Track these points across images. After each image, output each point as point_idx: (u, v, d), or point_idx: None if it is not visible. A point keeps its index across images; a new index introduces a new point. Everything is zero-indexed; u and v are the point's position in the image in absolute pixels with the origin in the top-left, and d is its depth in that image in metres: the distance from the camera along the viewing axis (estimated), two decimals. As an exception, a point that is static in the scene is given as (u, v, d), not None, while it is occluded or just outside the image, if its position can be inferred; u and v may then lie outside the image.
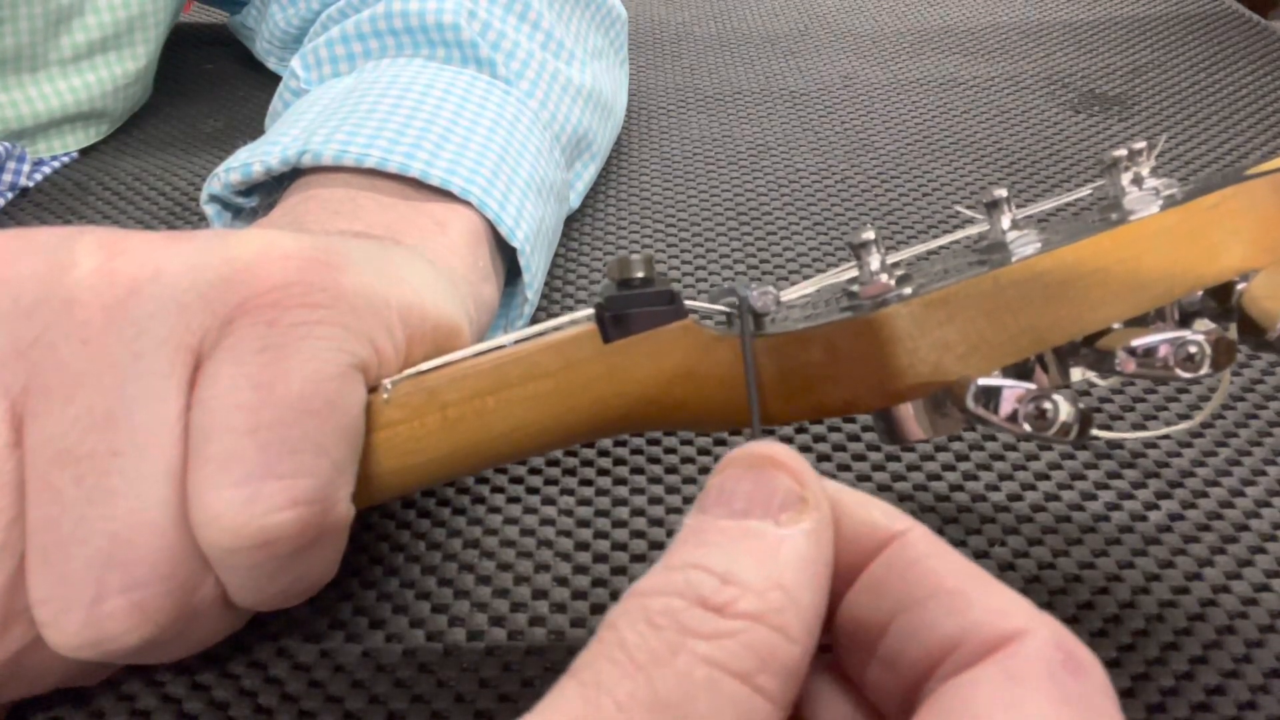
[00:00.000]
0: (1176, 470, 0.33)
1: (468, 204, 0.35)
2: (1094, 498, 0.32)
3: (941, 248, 0.41)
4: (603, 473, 0.34)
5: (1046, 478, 0.33)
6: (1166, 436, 0.34)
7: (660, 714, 0.14)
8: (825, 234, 0.47)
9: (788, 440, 0.35)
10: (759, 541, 0.16)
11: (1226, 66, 0.64)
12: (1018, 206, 0.24)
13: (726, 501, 0.17)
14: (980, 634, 0.15)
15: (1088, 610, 0.28)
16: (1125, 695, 0.26)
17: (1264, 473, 0.33)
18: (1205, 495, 0.32)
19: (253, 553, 0.22)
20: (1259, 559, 0.30)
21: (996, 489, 0.32)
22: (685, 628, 0.15)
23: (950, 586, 0.16)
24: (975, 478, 0.33)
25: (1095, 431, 0.34)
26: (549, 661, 0.27)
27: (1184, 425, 0.35)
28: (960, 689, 0.15)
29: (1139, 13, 0.74)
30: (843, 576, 0.17)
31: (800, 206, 0.50)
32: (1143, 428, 0.35)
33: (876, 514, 0.17)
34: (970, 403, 0.21)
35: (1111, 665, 0.27)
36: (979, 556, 0.30)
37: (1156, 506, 0.32)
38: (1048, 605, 0.29)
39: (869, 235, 0.23)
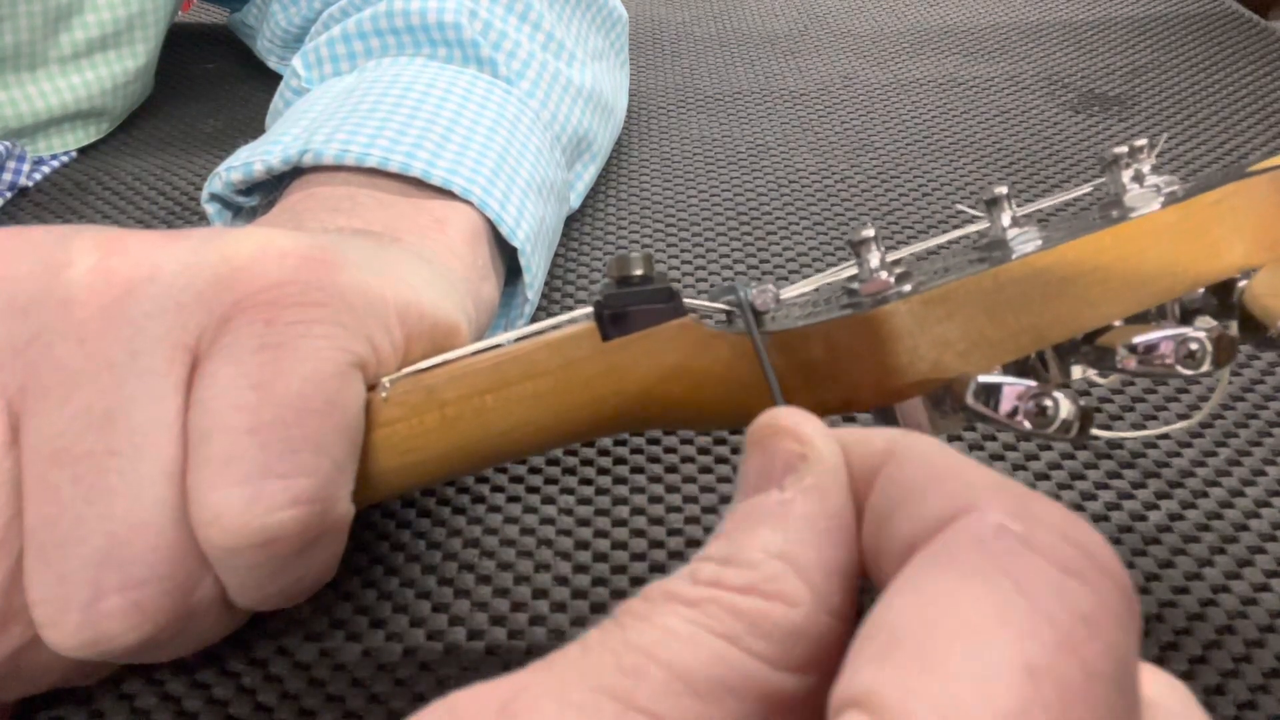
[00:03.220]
0: (1176, 470, 0.33)
1: (468, 203, 0.35)
2: (1094, 498, 0.32)
3: (941, 246, 0.41)
4: (603, 472, 0.33)
5: (1046, 478, 0.33)
6: (1166, 436, 0.34)
7: (625, 653, 0.14)
8: (825, 234, 0.47)
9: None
10: (761, 514, 0.16)
11: (1226, 66, 0.64)
12: (1018, 205, 0.24)
13: (742, 486, 0.17)
14: (928, 528, 0.14)
15: (1088, 609, 0.28)
16: (1126, 695, 0.26)
17: (1264, 473, 0.33)
18: (1205, 495, 0.32)
19: (253, 552, 0.22)
20: (1259, 559, 0.30)
21: (997, 488, 0.32)
22: (671, 594, 0.15)
23: (915, 487, 0.15)
24: (975, 477, 0.33)
25: (1095, 431, 0.34)
26: (548, 661, 0.27)
27: (1184, 425, 0.35)
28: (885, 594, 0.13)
29: (1139, 13, 0.74)
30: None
31: (800, 206, 0.50)
32: (1142, 427, 0.35)
33: (878, 442, 0.16)
34: (970, 400, 0.21)
35: (1112, 665, 0.27)
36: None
37: (1156, 506, 0.32)
38: (1048, 604, 0.29)
39: (868, 233, 0.22)
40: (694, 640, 0.14)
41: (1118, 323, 0.22)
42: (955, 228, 0.46)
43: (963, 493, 0.14)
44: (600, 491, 0.33)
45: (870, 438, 0.16)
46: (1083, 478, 0.33)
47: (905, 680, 0.12)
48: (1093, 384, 0.37)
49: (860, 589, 0.16)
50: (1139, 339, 0.21)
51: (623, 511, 0.32)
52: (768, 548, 0.15)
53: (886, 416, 0.23)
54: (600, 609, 0.29)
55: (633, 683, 0.14)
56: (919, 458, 0.15)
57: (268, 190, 0.39)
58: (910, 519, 0.14)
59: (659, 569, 0.30)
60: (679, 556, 0.30)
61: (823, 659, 0.15)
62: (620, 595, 0.29)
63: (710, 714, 0.14)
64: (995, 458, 0.34)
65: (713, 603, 0.15)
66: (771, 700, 0.14)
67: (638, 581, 0.29)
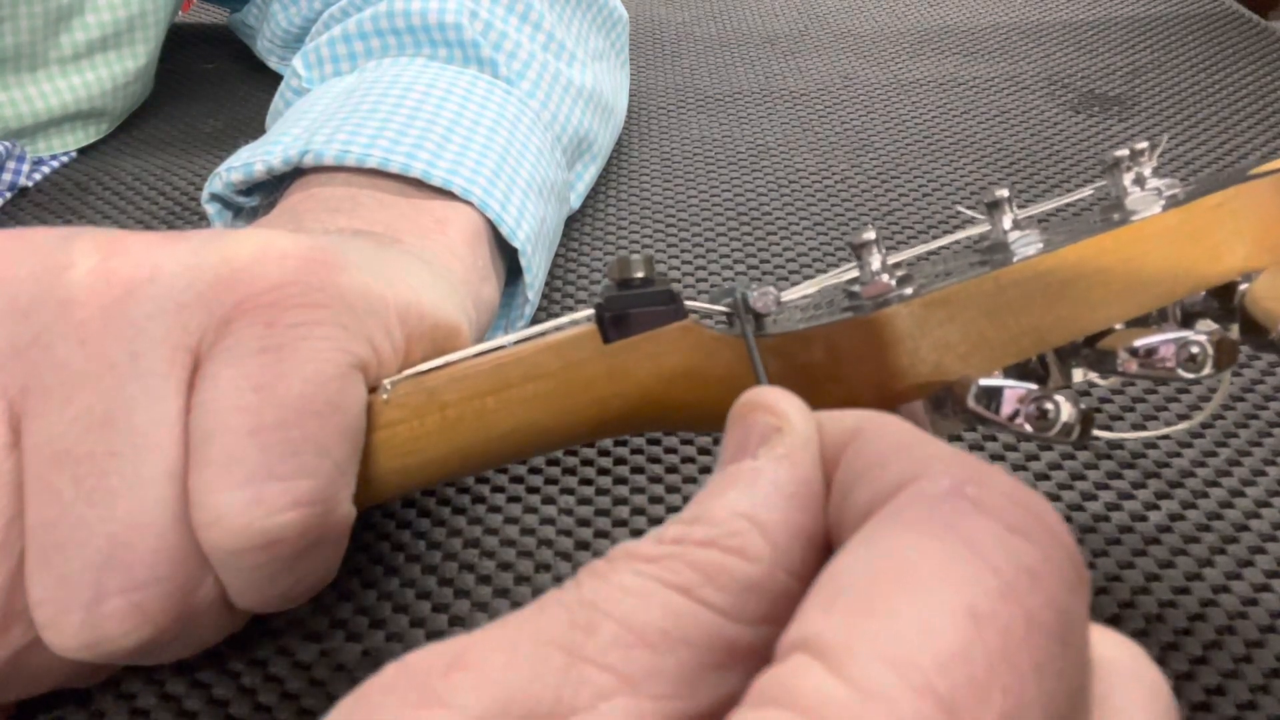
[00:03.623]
0: (1176, 470, 0.33)
1: (469, 203, 0.35)
2: (1094, 498, 0.32)
3: (942, 248, 0.41)
4: (603, 472, 0.34)
5: (1046, 478, 0.33)
6: (1166, 437, 0.34)
7: (578, 609, 0.14)
8: (825, 234, 0.47)
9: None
10: (732, 479, 0.16)
11: (1226, 66, 0.64)
12: (1019, 207, 0.24)
13: (720, 460, 0.17)
14: (885, 495, 0.14)
15: (1088, 611, 0.28)
16: (1126, 696, 0.26)
17: (1264, 473, 0.33)
18: (1205, 495, 0.32)
19: (255, 554, 0.22)
20: (1259, 559, 0.30)
21: (997, 489, 0.32)
22: (631, 553, 0.15)
23: (877, 460, 0.15)
24: (975, 478, 0.33)
25: (1096, 432, 0.34)
26: (549, 662, 0.27)
27: (1184, 425, 0.35)
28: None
29: (1139, 13, 0.74)
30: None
31: (800, 206, 0.50)
32: (1143, 428, 0.35)
33: (849, 421, 0.17)
34: (971, 403, 0.21)
35: (1112, 666, 0.27)
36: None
37: (1156, 507, 0.32)
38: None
39: (870, 235, 0.22)
40: (648, 594, 0.14)
41: (1119, 326, 0.22)
42: (956, 229, 0.46)
43: (918, 462, 0.15)
44: (600, 492, 0.33)
45: (842, 417, 0.17)
46: (1083, 478, 0.33)
47: (849, 622, 0.12)
48: (1093, 385, 0.37)
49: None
50: (1140, 342, 0.21)
51: (623, 512, 0.32)
52: (733, 507, 0.16)
53: (887, 419, 0.23)
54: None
55: (584, 636, 0.14)
56: (883, 434, 0.16)
57: (268, 190, 0.39)
58: (870, 487, 0.15)
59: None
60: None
61: (780, 616, 0.15)
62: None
63: (662, 663, 0.14)
64: (995, 458, 0.34)
65: (672, 558, 0.15)
66: (727, 651, 0.14)
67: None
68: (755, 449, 0.16)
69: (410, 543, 0.31)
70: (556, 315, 0.41)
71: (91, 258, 0.23)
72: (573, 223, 0.49)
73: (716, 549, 0.15)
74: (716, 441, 0.35)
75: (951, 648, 0.12)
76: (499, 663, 0.14)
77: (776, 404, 0.17)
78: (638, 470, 0.34)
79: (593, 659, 0.14)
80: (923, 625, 0.12)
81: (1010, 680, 0.12)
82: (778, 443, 0.16)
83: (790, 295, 0.25)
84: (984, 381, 0.21)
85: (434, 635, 0.28)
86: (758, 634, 0.15)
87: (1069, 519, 0.31)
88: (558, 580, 0.30)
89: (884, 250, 0.23)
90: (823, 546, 0.16)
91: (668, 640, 0.14)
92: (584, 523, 0.32)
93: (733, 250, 0.46)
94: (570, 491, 0.33)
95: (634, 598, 0.14)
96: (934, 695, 0.12)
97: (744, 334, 0.23)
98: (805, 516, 0.16)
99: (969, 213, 0.26)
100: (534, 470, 0.34)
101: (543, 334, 0.25)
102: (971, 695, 0.12)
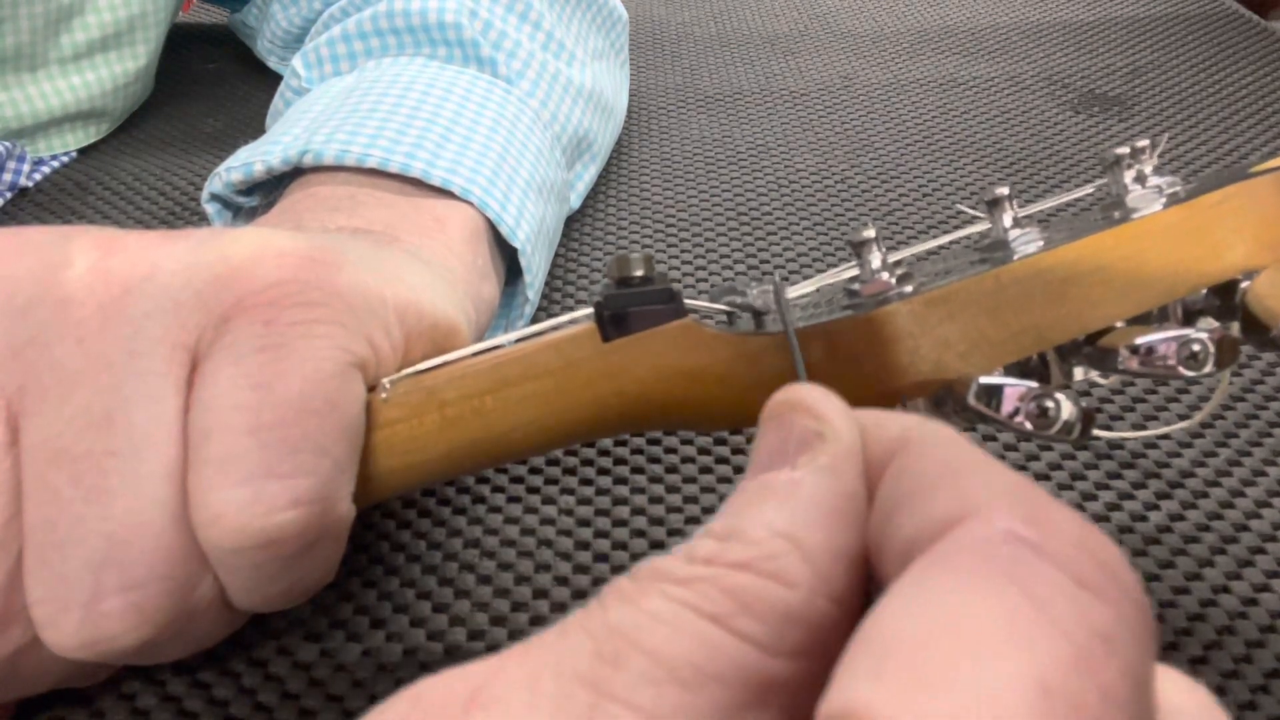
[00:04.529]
0: (1177, 470, 0.33)
1: (468, 203, 0.35)
2: (1094, 498, 0.32)
3: (942, 247, 0.41)
4: (603, 472, 0.33)
5: (1047, 478, 0.33)
6: (1167, 437, 0.34)
7: (604, 637, 0.13)
8: (825, 234, 0.47)
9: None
10: (770, 491, 0.15)
11: (1226, 66, 0.64)
12: (1019, 205, 0.24)
13: (754, 463, 0.16)
14: (933, 529, 0.13)
15: (1089, 610, 0.28)
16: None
17: (1264, 473, 0.33)
18: (1205, 495, 0.32)
19: (255, 553, 0.22)
20: (1259, 559, 0.30)
21: (997, 489, 0.32)
22: (659, 573, 0.14)
23: (925, 482, 0.14)
24: (976, 478, 0.33)
25: (1096, 432, 0.34)
26: (548, 661, 0.27)
27: (1184, 425, 0.35)
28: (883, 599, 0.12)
29: (1139, 13, 0.74)
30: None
31: (800, 206, 0.50)
32: (1143, 428, 0.35)
33: (894, 428, 0.15)
34: (972, 401, 0.21)
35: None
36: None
37: (1157, 507, 0.32)
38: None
39: (870, 233, 0.22)
40: (679, 623, 0.13)
41: (1120, 324, 0.22)
42: (956, 228, 0.46)
43: (972, 493, 0.13)
44: (601, 492, 0.33)
45: (887, 423, 0.16)
46: (1083, 478, 0.33)
47: (903, 694, 0.11)
48: (1094, 384, 0.37)
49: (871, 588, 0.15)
50: (1141, 340, 0.21)
51: (623, 512, 0.32)
52: (771, 525, 0.14)
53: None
54: (600, 610, 0.29)
55: (611, 670, 0.13)
56: (932, 450, 0.15)
57: (268, 190, 0.39)
58: (915, 516, 0.13)
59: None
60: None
61: (820, 647, 0.14)
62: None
63: (695, 703, 0.13)
64: (996, 458, 0.34)
65: (704, 581, 0.14)
66: (763, 688, 0.13)
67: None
68: (794, 456, 0.15)
69: (410, 543, 0.31)
70: (556, 315, 0.41)
71: (89, 256, 0.23)
72: (573, 223, 0.49)
73: (752, 573, 0.14)
74: (718, 442, 0.35)
75: None
76: (520, 702, 0.13)
77: (818, 405, 0.16)
78: (638, 470, 0.34)
79: (621, 697, 0.13)
80: (989, 702, 0.11)
81: None
82: (820, 451, 0.15)
83: (790, 294, 0.25)
84: (984, 379, 0.21)
85: (434, 635, 0.28)
86: (795, 668, 0.14)
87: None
88: (559, 580, 0.30)
89: (884, 248, 0.23)
90: (864, 566, 0.15)
91: (700, 676, 0.13)
92: (584, 523, 0.32)
93: (733, 250, 0.46)
94: (570, 491, 0.33)
95: (664, 627, 0.13)
96: None
97: (784, 323, 0.22)
98: (847, 536, 0.14)
99: (969, 211, 0.26)
100: (534, 470, 0.34)
101: (542, 333, 0.25)
102: None
